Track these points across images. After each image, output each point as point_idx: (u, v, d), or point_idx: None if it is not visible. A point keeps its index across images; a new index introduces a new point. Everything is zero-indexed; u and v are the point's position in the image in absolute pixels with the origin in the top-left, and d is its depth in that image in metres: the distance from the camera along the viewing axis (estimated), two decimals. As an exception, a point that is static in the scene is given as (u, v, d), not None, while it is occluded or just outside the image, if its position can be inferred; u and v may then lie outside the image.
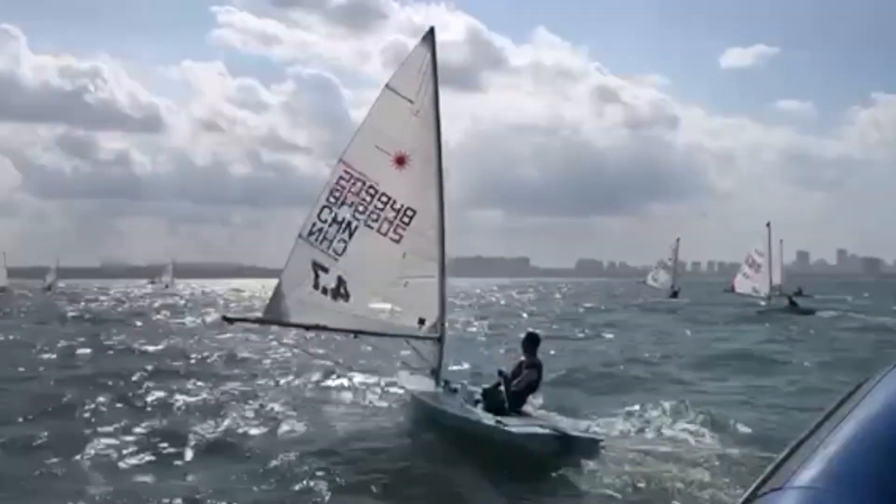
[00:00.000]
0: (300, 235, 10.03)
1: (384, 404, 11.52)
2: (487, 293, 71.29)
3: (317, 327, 10.18)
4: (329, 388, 13.11)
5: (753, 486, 1.13)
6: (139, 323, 30.08)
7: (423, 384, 9.93)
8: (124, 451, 8.50)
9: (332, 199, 10.18)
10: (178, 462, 8.29)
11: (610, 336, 24.42)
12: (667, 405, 10.25)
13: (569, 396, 11.77)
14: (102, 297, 57.97)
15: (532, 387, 9.16)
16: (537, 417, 8.67)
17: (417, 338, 10.08)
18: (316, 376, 13.71)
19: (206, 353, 18.03)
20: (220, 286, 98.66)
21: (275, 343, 18.53)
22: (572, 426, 8.47)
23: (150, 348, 19.41)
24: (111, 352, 19.28)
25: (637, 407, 10.40)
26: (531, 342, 9.50)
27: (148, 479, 7.61)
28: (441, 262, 10.10)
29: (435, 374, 9.73)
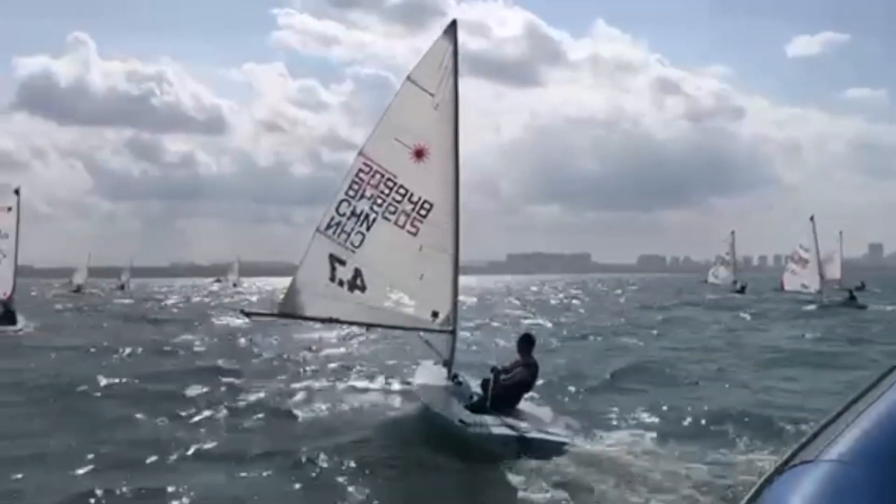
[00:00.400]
0: (318, 229, 10.10)
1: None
2: (546, 291, 69.90)
3: (331, 320, 10.28)
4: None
5: (783, 458, 1.18)
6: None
7: (439, 376, 9.96)
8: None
9: (350, 193, 10.21)
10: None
11: (660, 333, 23.77)
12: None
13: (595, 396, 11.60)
14: (175, 296, 59.54)
15: (523, 386, 9.18)
16: (521, 416, 8.67)
17: (430, 331, 10.10)
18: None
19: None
20: (283, 284, 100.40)
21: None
22: (552, 424, 8.50)
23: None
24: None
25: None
26: (526, 342, 9.54)
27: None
28: (455, 256, 10.08)
29: (447, 365, 9.73)
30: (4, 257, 24.66)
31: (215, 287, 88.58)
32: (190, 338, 22.58)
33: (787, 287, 37.13)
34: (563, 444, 7.86)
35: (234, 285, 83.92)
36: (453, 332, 9.94)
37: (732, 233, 52.63)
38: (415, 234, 10.21)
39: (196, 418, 10.49)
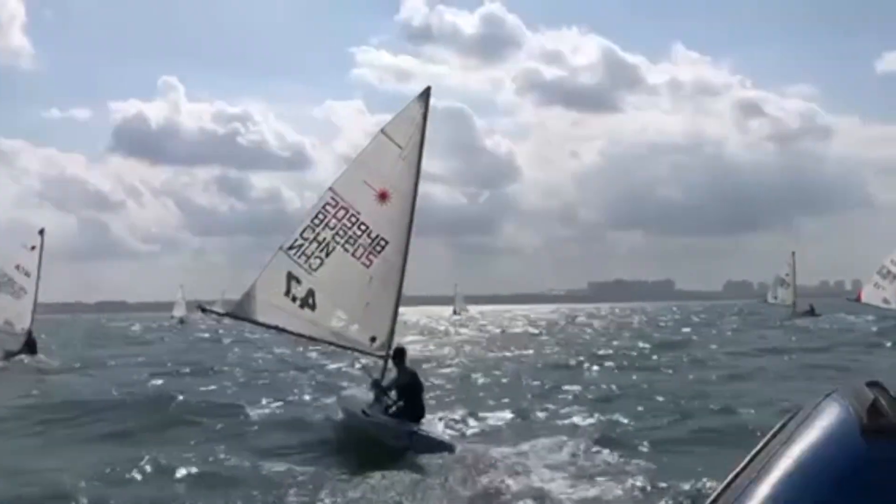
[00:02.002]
0: (281, 248, 11.23)
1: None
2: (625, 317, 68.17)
3: (276, 328, 11.25)
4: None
5: None
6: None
7: (359, 396, 11.04)
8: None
9: (316, 221, 11.40)
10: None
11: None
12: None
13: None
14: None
15: (412, 389, 10.37)
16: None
17: (366, 353, 11.13)
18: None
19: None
20: None
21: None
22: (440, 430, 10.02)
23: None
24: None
25: None
26: (398, 355, 10.83)
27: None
28: (398, 290, 11.23)
29: (376, 384, 10.71)
30: (25, 293, 25.94)
31: None
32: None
33: (864, 300, 34.41)
34: (451, 446, 9.13)
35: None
36: (386, 357, 10.99)
37: (793, 254, 52.04)
38: (368, 266, 11.38)
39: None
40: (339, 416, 11.22)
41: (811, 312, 49.79)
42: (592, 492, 7.53)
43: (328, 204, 11.48)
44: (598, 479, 7.96)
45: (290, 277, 11.18)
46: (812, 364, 19.92)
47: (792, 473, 1.07)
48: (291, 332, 11.40)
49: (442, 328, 50.77)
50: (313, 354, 23.41)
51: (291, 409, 13.54)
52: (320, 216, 11.43)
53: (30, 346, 25.84)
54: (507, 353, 26.75)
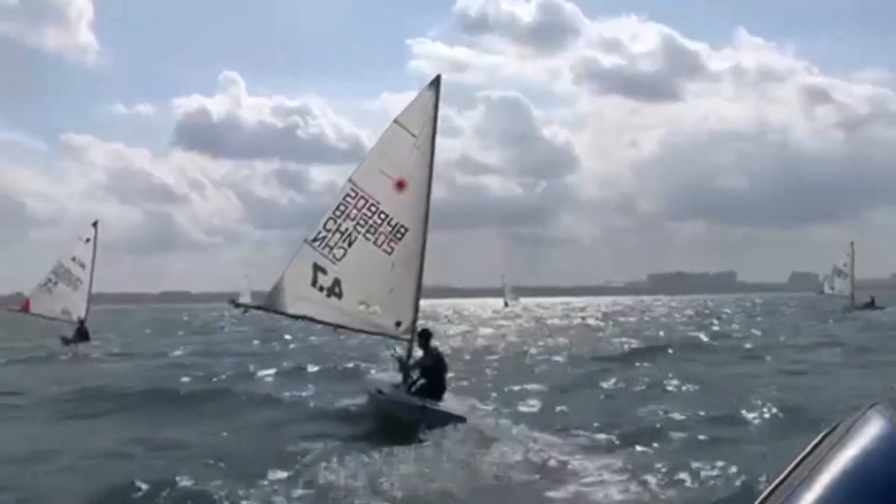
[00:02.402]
0: (305, 240, 11.74)
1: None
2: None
3: (306, 318, 11.80)
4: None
5: None
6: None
7: (385, 377, 11.57)
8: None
9: (337, 213, 11.86)
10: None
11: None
12: None
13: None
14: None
15: (436, 371, 10.90)
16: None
17: (393, 336, 11.62)
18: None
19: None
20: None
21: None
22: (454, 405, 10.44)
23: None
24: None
25: None
26: (423, 337, 11.36)
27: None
28: (419, 275, 11.64)
29: (403, 365, 11.21)
30: (81, 284, 27.72)
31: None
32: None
33: None
34: (460, 418, 9.59)
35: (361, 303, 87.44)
36: (411, 340, 11.46)
37: (851, 244, 50.80)
38: (389, 254, 11.82)
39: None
40: (365, 396, 11.77)
41: (871, 305, 48.39)
42: (609, 476, 7.50)
43: (348, 195, 11.91)
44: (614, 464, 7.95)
45: (317, 268, 11.69)
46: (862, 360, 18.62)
47: (835, 484, 1.07)
48: (321, 322, 11.94)
49: (489, 318, 51.31)
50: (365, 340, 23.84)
51: (329, 395, 13.99)
52: (341, 208, 11.87)
53: (82, 333, 27.55)
54: (554, 342, 26.60)
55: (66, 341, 26.81)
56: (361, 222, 11.82)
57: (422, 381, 10.69)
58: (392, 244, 11.82)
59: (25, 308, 28.52)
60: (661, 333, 31.38)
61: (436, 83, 12.07)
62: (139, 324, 53.51)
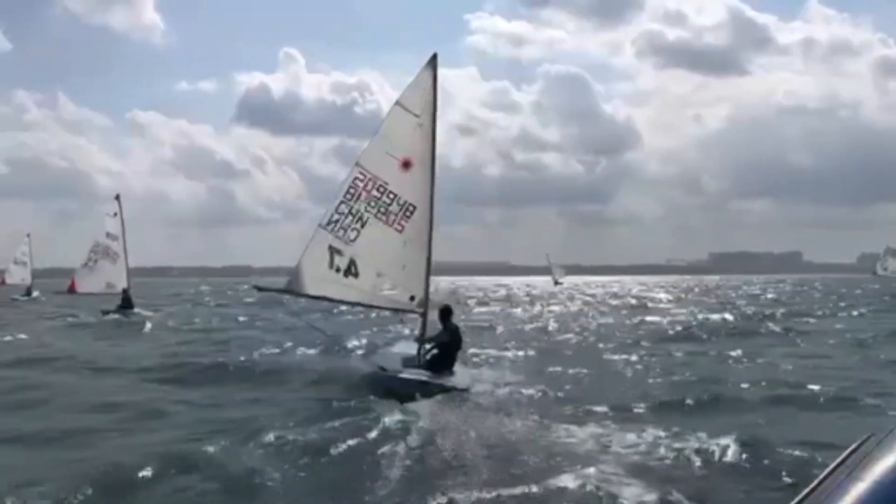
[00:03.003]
0: (320, 225, 12.32)
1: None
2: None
3: (326, 299, 12.47)
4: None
5: None
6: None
7: (408, 348, 12.15)
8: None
9: (348, 196, 12.38)
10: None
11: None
12: None
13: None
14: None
15: (450, 346, 11.45)
16: (445, 373, 11.08)
17: (408, 311, 12.21)
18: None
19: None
20: (465, 283, 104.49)
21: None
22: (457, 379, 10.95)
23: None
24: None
25: None
26: (444, 313, 11.85)
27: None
28: (429, 250, 12.15)
29: (419, 338, 11.83)
30: (119, 257, 29.47)
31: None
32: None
33: None
34: (463, 388, 10.31)
35: None
36: (424, 313, 12.04)
37: None
38: (401, 232, 12.33)
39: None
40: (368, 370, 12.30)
41: None
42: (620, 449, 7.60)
43: (357, 178, 12.41)
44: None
45: (332, 250, 12.30)
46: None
47: (871, 490, 1.09)
48: (339, 301, 12.59)
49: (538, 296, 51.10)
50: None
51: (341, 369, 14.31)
52: (351, 191, 12.39)
53: (126, 302, 29.03)
54: (603, 322, 26.20)
55: (105, 312, 28.29)
56: (372, 203, 12.33)
57: (434, 352, 11.28)
58: (402, 222, 12.32)
59: (72, 289, 30.45)
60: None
61: (432, 62, 12.34)
62: (201, 295, 55.49)
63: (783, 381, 12.33)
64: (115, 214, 30.60)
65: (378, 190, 12.34)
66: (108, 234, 30.48)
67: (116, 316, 27.84)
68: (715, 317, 28.73)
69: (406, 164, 12.36)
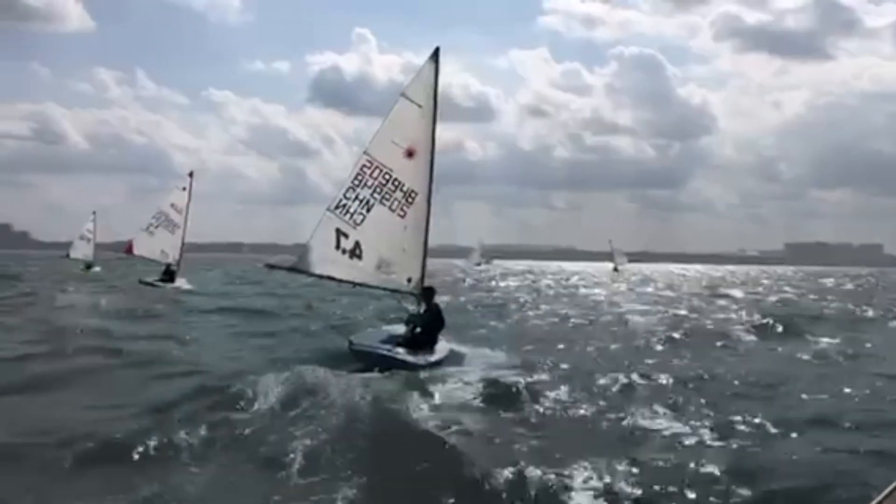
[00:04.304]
0: (328, 209, 13.14)
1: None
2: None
3: (331, 278, 13.26)
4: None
5: None
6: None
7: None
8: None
9: (356, 182, 13.14)
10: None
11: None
12: None
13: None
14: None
15: (429, 325, 12.20)
16: (425, 349, 11.84)
17: (404, 292, 12.96)
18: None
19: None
20: (529, 266, 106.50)
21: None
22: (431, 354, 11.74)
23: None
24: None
25: None
26: (427, 293, 12.60)
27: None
28: (425, 235, 12.88)
29: (407, 319, 12.60)
30: (178, 229, 31.41)
31: (482, 266, 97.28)
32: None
33: None
34: (414, 366, 10.95)
35: (477, 265, 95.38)
36: (419, 294, 12.79)
37: None
38: (403, 217, 13.07)
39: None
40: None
41: None
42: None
43: (364, 166, 13.15)
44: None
45: (339, 233, 13.11)
46: None
47: None
48: (343, 280, 13.38)
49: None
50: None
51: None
52: (359, 177, 13.15)
53: (169, 274, 31.02)
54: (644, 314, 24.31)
55: (142, 282, 30.33)
56: (378, 190, 13.08)
57: (417, 330, 12.03)
58: (405, 208, 13.05)
59: (129, 251, 32.46)
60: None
61: (435, 55, 13.00)
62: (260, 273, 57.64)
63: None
64: (184, 189, 32.43)
65: (384, 177, 13.06)
66: (172, 205, 32.25)
67: (162, 284, 29.77)
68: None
69: (410, 153, 13.05)
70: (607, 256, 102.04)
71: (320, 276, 13.15)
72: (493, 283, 51.50)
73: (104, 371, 11.62)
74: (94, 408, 9.08)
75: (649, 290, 44.84)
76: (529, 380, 10.48)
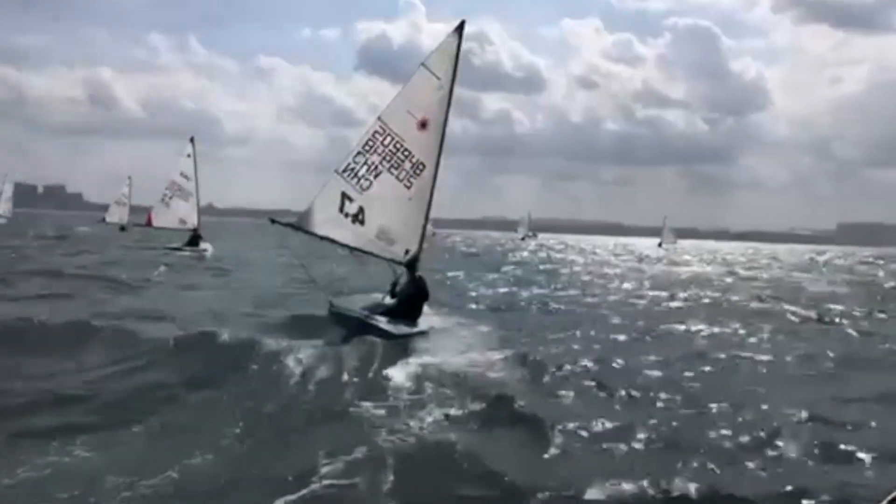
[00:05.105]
0: (336, 171, 13.12)
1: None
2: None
3: (330, 240, 13.21)
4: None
5: None
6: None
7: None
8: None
9: (366, 147, 13.08)
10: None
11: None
12: None
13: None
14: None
15: (416, 296, 12.22)
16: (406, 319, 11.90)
17: (400, 262, 12.94)
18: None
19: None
20: (573, 241, 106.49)
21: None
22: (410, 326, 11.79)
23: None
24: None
25: None
26: (410, 264, 12.59)
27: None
28: (428, 208, 12.82)
29: (391, 291, 12.79)
30: (191, 196, 31.94)
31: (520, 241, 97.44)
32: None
33: None
34: (390, 334, 10.95)
35: (523, 239, 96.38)
36: (410, 263, 12.81)
37: None
38: (408, 188, 13.00)
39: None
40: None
41: None
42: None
43: (377, 132, 13.09)
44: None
45: (344, 196, 13.09)
46: None
47: None
48: (341, 244, 13.36)
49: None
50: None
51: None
52: (370, 143, 13.10)
53: (193, 240, 31.57)
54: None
55: (169, 248, 30.59)
56: (387, 157, 13.02)
57: (393, 301, 12.22)
58: (412, 179, 12.98)
59: (149, 223, 33.06)
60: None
61: (459, 28, 12.88)
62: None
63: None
64: (189, 156, 32.99)
65: (395, 146, 13.00)
66: (181, 174, 32.83)
67: (186, 252, 30.26)
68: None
69: (423, 124, 12.96)
70: (655, 232, 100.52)
71: (321, 237, 13.16)
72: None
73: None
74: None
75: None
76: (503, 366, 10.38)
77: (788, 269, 46.98)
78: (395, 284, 12.59)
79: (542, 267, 38.34)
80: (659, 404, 8.71)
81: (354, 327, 11.17)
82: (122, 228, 48.80)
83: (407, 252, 12.84)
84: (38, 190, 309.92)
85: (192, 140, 33.81)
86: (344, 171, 13.13)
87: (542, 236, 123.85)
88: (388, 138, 13.01)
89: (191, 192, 32.77)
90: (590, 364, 10.69)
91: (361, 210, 13.09)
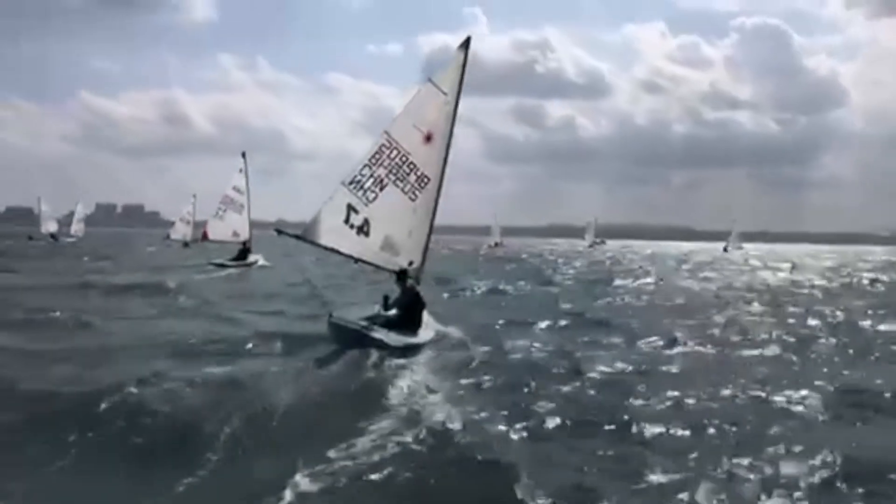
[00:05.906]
0: (342, 182, 13.34)
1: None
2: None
3: (334, 250, 13.38)
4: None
5: None
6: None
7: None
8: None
9: (373, 160, 13.27)
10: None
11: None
12: None
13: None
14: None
15: (412, 306, 12.22)
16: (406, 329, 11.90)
17: (393, 271, 13.06)
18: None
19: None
20: (641, 248, 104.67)
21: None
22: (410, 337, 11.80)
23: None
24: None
25: None
26: (399, 276, 12.66)
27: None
28: (432, 220, 12.94)
29: (384, 304, 12.71)
30: (243, 208, 32.94)
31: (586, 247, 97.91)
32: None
33: None
34: (388, 345, 10.98)
35: (591, 246, 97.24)
36: (417, 280, 12.94)
37: None
38: (413, 201, 13.16)
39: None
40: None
41: None
42: None
43: (384, 145, 13.28)
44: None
45: (350, 208, 13.28)
46: None
47: None
48: (345, 255, 13.54)
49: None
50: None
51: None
52: (376, 156, 13.29)
53: (242, 254, 31.98)
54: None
55: (211, 264, 30.57)
56: (393, 170, 13.19)
57: (391, 312, 12.18)
58: (416, 192, 13.13)
59: (205, 237, 34.11)
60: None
61: (465, 44, 13.06)
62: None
63: None
64: (241, 171, 34.07)
65: (401, 159, 13.17)
66: (234, 188, 33.89)
67: (230, 267, 30.33)
68: None
69: (428, 138, 13.14)
70: (724, 237, 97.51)
71: (325, 247, 13.37)
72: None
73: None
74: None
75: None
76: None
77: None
78: (387, 297, 12.59)
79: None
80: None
81: (353, 339, 11.25)
82: (186, 245, 50.00)
83: (411, 263, 12.95)
84: (118, 209, 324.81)
85: (243, 155, 34.80)
86: (350, 182, 13.33)
87: (610, 243, 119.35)
88: (395, 151, 13.20)
89: (243, 204, 33.77)
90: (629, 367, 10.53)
91: (367, 222, 13.25)
